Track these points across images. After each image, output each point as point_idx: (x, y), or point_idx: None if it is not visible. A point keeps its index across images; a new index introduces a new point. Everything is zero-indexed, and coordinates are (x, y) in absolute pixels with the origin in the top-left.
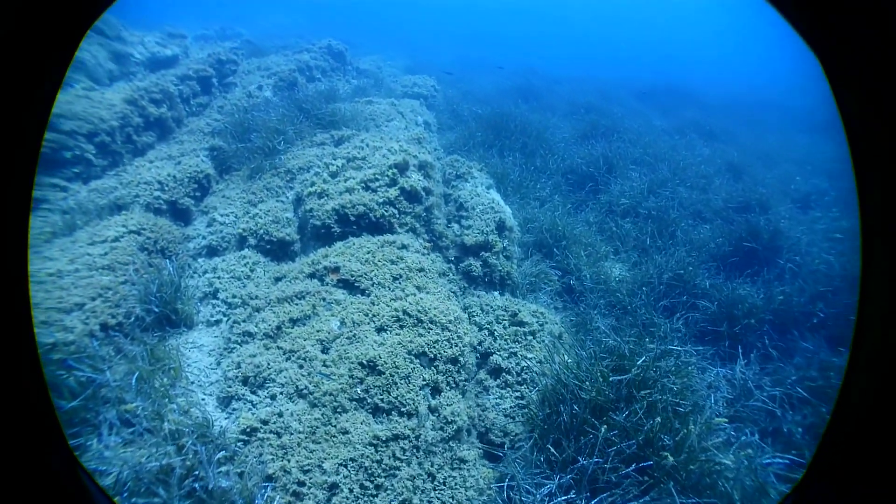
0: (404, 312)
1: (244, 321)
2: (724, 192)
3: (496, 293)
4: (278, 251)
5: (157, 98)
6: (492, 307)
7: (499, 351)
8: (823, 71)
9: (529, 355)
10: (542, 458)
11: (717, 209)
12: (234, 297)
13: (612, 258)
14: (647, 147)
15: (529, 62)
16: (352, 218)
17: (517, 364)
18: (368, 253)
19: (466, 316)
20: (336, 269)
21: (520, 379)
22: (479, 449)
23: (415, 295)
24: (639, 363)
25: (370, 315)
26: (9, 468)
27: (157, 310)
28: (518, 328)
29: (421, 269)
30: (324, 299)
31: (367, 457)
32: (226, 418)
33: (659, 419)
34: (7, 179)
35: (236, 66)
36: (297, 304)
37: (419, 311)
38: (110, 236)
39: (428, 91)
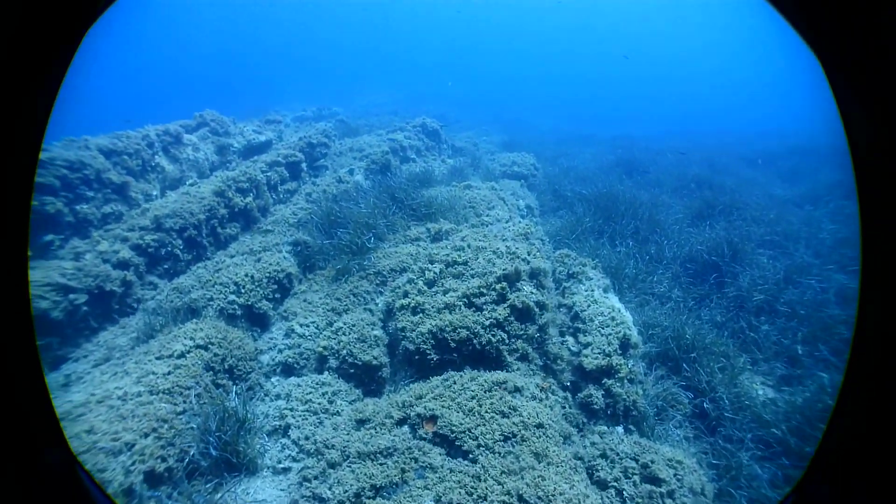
0: (520, 499)
1: (316, 478)
2: None
3: (620, 429)
4: (363, 376)
5: (243, 187)
6: (618, 454)
7: None
8: (823, 71)
9: None
10: None
11: None
12: (307, 438)
13: (749, 370)
14: (773, 224)
15: (626, 129)
16: (452, 344)
17: None
18: (473, 398)
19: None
20: (432, 419)
21: None
22: None
23: (533, 469)
24: None
25: (475, 496)
26: (9, 468)
27: (215, 453)
28: (652, 487)
29: (539, 426)
30: (415, 459)
31: None
32: None
33: None
34: (7, 179)
35: (327, 149)
36: (381, 465)
37: (539, 500)
38: (176, 351)
39: (528, 170)
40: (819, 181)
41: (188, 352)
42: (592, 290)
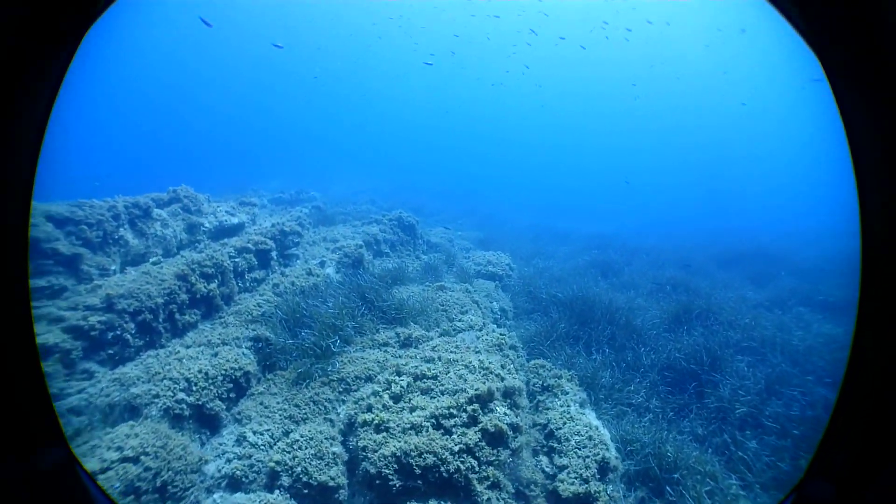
0: None
1: None
2: None
3: None
4: (318, 498)
5: (208, 272)
6: None
7: None
8: (823, 71)
9: None
10: None
11: None
12: None
13: (744, 497)
14: (748, 329)
15: (601, 227)
16: (417, 470)
17: None
18: None
19: None
20: None
21: None
22: None
23: None
24: None
25: None
26: (9, 468)
27: None
28: None
29: None
30: None
31: None
32: None
33: None
34: (7, 178)
35: (300, 238)
36: None
37: None
38: (97, 466)
39: (502, 270)
40: (782, 286)
41: (108, 468)
42: (568, 406)
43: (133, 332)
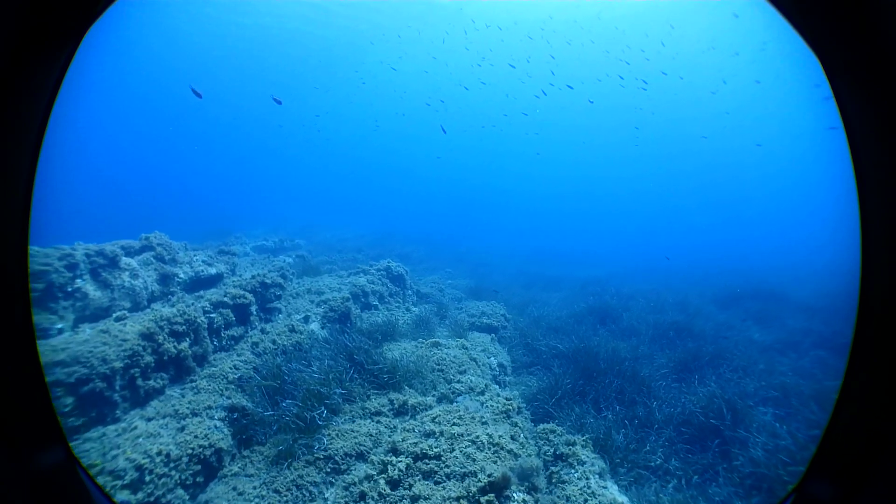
0: None
1: None
2: None
3: None
4: None
5: (179, 330)
6: None
7: None
8: (823, 71)
9: None
10: None
11: None
12: None
13: None
14: (765, 376)
15: (594, 272)
16: None
17: None
18: None
19: None
20: None
21: None
22: None
23: None
24: None
25: None
26: (9, 468)
27: None
28: None
29: None
30: None
31: None
32: None
33: None
34: (7, 178)
35: (282, 290)
36: None
37: None
38: None
39: (497, 321)
40: (789, 327)
41: None
42: (587, 479)
43: (71, 407)
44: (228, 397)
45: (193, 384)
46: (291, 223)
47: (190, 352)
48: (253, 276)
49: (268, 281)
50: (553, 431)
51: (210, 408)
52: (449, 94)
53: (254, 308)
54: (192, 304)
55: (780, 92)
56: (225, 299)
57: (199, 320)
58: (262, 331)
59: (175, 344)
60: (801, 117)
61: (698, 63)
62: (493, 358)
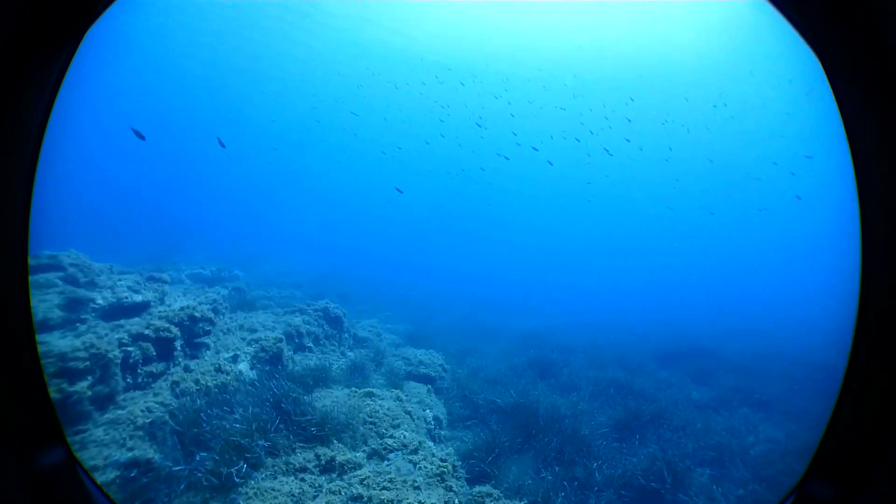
0: None
1: None
2: None
3: None
4: None
5: (79, 367)
6: None
7: None
8: (823, 71)
9: None
10: None
11: None
12: None
13: None
14: (702, 436)
15: (535, 322)
16: None
17: None
18: None
19: None
20: None
21: None
22: None
23: None
24: None
25: None
26: (9, 468)
27: None
28: None
29: None
30: None
31: None
32: None
33: None
34: (7, 178)
35: (212, 326)
36: None
37: None
38: None
39: (435, 371)
40: (723, 384)
41: None
42: None
43: None
44: (131, 448)
45: (83, 435)
46: (239, 248)
47: (89, 393)
48: (182, 308)
49: (197, 314)
50: (489, 495)
51: (105, 465)
52: (407, 144)
53: (178, 343)
54: (106, 334)
55: (725, 167)
56: (146, 331)
57: (110, 354)
58: (186, 368)
59: (67, 384)
60: (747, 189)
61: (655, 133)
62: (428, 410)
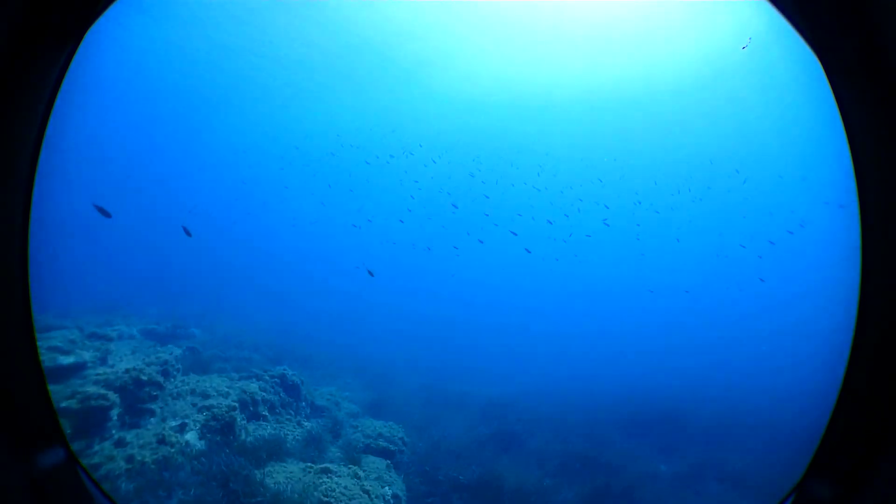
0: None
1: None
2: None
3: None
4: None
5: None
6: None
7: None
8: (823, 70)
9: None
10: None
11: None
12: None
13: None
14: None
15: (499, 389)
16: None
17: None
18: None
19: None
20: None
21: None
22: None
23: None
24: None
25: None
26: (9, 468)
27: None
28: None
29: None
30: None
31: None
32: None
33: None
34: (7, 178)
35: (160, 390)
36: None
37: None
38: None
39: (395, 445)
40: (691, 456)
41: None
42: None
43: None
44: None
45: None
46: (200, 302)
47: None
48: (127, 370)
49: (144, 377)
50: None
51: None
52: (377, 215)
53: (115, 412)
54: None
55: (698, 244)
56: (71, 403)
57: None
58: (120, 442)
59: None
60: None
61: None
62: (388, 488)
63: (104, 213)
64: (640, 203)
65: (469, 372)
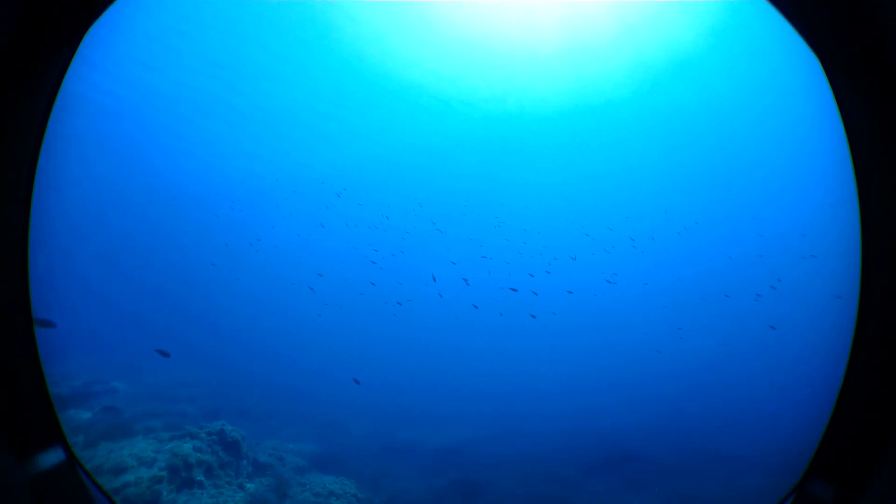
0: None
1: None
2: None
3: None
4: None
5: None
6: None
7: None
8: (823, 70)
9: None
10: None
11: None
12: None
13: None
14: None
15: (453, 436)
16: None
17: None
18: None
19: None
20: None
21: None
22: None
23: None
24: None
25: None
26: (9, 468)
27: None
28: None
29: None
30: None
31: None
32: None
33: None
34: (7, 178)
35: None
36: None
37: None
38: None
39: (348, 502)
40: (666, 488)
41: None
42: None
43: None
44: None
45: None
46: (133, 350)
47: None
48: None
49: None
50: None
51: None
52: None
53: None
54: None
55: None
56: None
57: None
58: None
59: None
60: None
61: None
62: None
63: (49, 324)
64: (611, 230)
65: (422, 417)
